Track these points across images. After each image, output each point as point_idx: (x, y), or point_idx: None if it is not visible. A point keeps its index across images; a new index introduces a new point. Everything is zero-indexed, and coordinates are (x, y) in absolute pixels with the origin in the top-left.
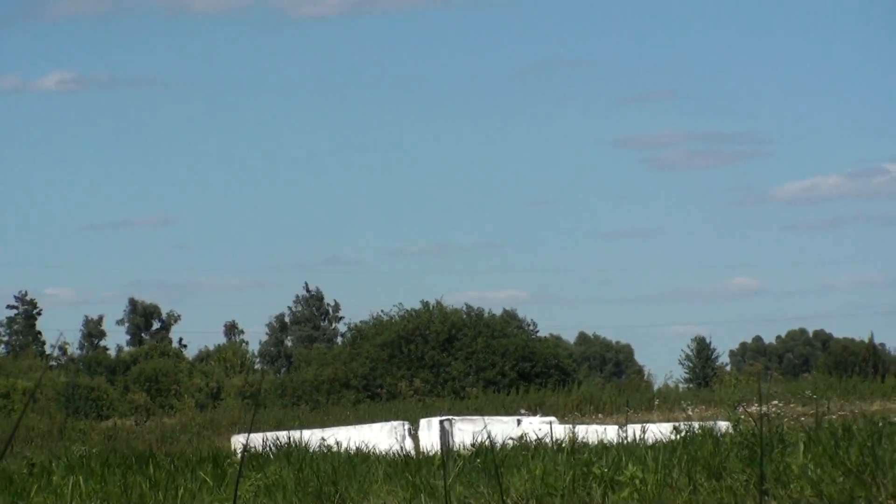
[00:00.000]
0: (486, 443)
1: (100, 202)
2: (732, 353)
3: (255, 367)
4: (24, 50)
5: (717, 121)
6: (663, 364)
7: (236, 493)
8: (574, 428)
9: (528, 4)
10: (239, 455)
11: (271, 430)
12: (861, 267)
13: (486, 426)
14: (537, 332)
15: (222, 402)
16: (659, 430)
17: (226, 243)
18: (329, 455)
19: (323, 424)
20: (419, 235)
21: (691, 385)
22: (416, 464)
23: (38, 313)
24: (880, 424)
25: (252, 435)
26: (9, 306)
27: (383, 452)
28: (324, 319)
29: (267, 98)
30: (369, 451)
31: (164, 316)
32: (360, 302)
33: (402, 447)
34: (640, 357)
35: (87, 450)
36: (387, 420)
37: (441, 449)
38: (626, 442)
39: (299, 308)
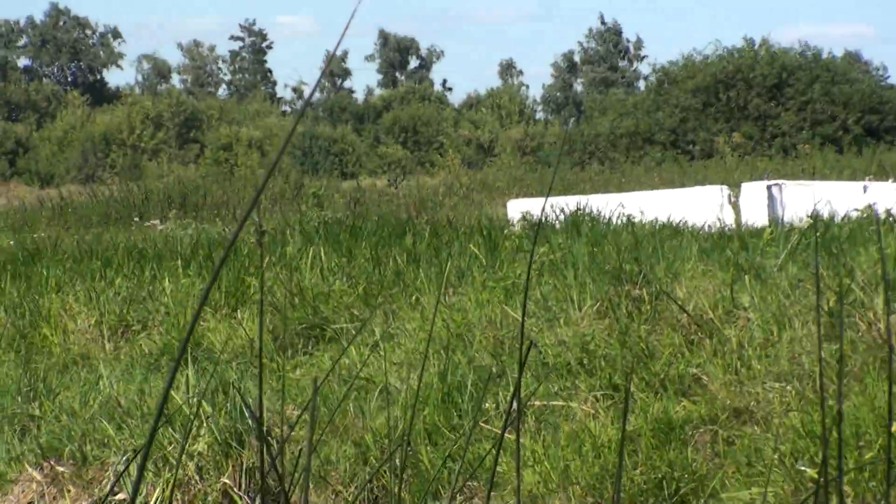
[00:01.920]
0: (825, 214)
1: None
2: None
3: (537, 116)
4: None
5: None
6: None
7: (530, 271)
8: None
9: None
10: (517, 225)
11: (557, 196)
12: None
13: (822, 193)
14: (888, 77)
15: (496, 158)
16: None
17: None
18: (629, 226)
19: (620, 189)
20: None
21: None
22: (739, 238)
23: (269, 47)
24: None
25: (533, 200)
26: (233, 37)
27: (696, 224)
28: (623, 59)
29: None
30: (679, 223)
31: (423, 52)
32: (667, 38)
33: (719, 218)
34: None
35: (329, 215)
36: (700, 184)
37: (769, 220)
38: None
39: (592, 45)
